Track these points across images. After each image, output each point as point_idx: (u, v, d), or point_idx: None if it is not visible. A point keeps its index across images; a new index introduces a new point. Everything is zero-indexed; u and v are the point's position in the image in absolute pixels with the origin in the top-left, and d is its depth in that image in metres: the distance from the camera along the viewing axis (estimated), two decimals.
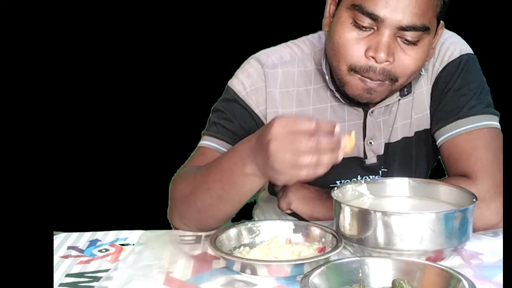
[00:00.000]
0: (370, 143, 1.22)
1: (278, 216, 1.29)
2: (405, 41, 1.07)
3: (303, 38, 1.28)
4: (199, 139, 1.22)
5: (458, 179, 1.10)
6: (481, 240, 1.02)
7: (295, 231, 1.03)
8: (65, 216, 1.82)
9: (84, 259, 1.01)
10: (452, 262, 0.94)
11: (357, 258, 0.87)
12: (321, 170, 0.89)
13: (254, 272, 0.90)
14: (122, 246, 1.06)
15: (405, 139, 1.24)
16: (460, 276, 0.80)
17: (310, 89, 1.22)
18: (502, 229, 1.05)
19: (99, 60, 2.41)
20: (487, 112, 1.16)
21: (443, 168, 1.20)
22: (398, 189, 1.07)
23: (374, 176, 1.24)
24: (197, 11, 2.41)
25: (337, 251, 0.91)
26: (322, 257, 0.89)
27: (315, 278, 0.81)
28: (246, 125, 1.19)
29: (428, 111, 1.22)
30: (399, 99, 1.21)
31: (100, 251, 1.04)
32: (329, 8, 1.15)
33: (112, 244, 1.07)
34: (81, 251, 1.05)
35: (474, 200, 0.95)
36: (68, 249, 1.05)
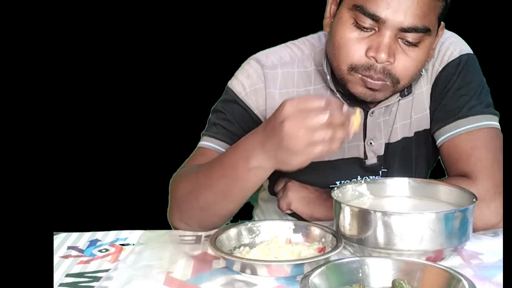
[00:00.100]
0: (371, 143, 1.22)
1: (279, 216, 1.29)
2: (406, 42, 1.07)
3: (303, 38, 1.28)
4: (198, 139, 1.22)
5: (458, 179, 1.10)
6: (481, 240, 1.02)
7: (295, 231, 1.03)
8: (65, 216, 1.82)
9: (84, 259, 1.01)
10: (452, 262, 0.94)
11: (357, 258, 0.87)
12: (335, 145, 0.91)
13: (254, 272, 0.90)
14: (122, 246, 1.06)
15: (405, 139, 1.24)
16: (460, 276, 0.80)
17: (310, 90, 1.22)
18: (502, 229, 1.05)
19: (99, 61, 2.41)
20: (487, 112, 1.16)
21: (443, 168, 1.20)
22: (398, 189, 1.07)
23: (374, 177, 1.24)
24: (197, 11, 2.41)
25: (337, 251, 0.91)
26: (322, 257, 0.89)
27: (315, 278, 0.81)
28: (245, 126, 1.19)
29: (428, 111, 1.22)
30: (399, 100, 1.21)
31: (100, 251, 1.04)
32: (330, 8, 1.15)
33: (112, 244, 1.07)
34: (81, 251, 1.05)
35: (474, 200, 0.95)
36: (68, 249, 1.05)
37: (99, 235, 1.12)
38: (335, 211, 0.98)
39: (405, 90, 1.20)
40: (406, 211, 1.01)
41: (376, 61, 1.06)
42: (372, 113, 1.21)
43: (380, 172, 1.25)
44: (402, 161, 1.24)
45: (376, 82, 1.08)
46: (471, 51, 1.22)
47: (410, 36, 1.06)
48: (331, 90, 1.20)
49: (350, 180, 1.21)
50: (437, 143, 1.19)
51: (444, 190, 1.04)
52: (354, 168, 1.24)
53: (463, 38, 1.24)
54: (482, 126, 1.14)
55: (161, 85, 2.45)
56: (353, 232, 0.94)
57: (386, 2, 1.04)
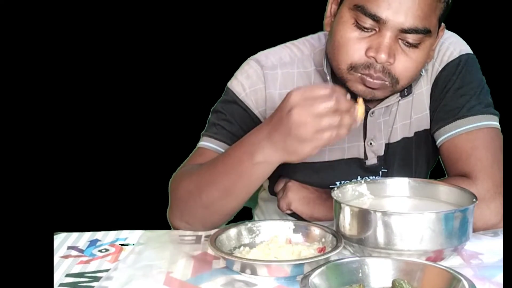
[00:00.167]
0: (371, 143, 1.22)
1: (279, 216, 1.30)
2: (407, 43, 1.07)
3: (303, 39, 1.28)
4: (198, 139, 1.22)
5: (458, 179, 1.10)
6: (481, 240, 1.02)
7: (295, 231, 1.03)
8: (65, 216, 1.82)
9: (84, 259, 1.01)
10: (452, 262, 0.94)
11: (357, 258, 0.87)
12: (343, 131, 0.92)
13: (254, 272, 0.90)
14: (122, 246, 1.06)
15: (405, 139, 1.24)
16: (460, 276, 0.80)
17: None
18: (502, 229, 1.05)
19: (99, 61, 2.41)
20: (486, 112, 1.16)
21: (443, 168, 1.20)
22: (398, 189, 1.07)
23: (374, 177, 1.24)
24: (197, 11, 2.41)
25: (337, 251, 0.91)
26: (322, 257, 0.89)
27: (315, 278, 0.81)
28: (245, 127, 1.19)
29: (428, 111, 1.22)
30: (399, 100, 1.21)
31: (100, 251, 1.04)
32: (331, 7, 1.15)
33: (112, 244, 1.07)
34: (81, 251, 1.05)
35: (474, 200, 0.95)
36: (68, 249, 1.05)
37: (99, 235, 1.12)
38: (335, 211, 0.98)
39: (405, 90, 1.20)
40: (406, 211, 1.01)
41: (376, 61, 1.06)
42: (372, 113, 1.20)
43: (380, 172, 1.25)
44: (402, 161, 1.24)
45: (375, 81, 1.08)
46: (470, 51, 1.22)
47: (411, 37, 1.06)
48: None
49: (350, 180, 1.21)
50: (437, 143, 1.19)
51: (444, 190, 1.04)
52: (354, 168, 1.24)
53: (463, 38, 1.24)
54: (482, 126, 1.14)
55: (161, 86, 2.46)
56: (353, 232, 0.94)
57: (387, 2, 1.04)
